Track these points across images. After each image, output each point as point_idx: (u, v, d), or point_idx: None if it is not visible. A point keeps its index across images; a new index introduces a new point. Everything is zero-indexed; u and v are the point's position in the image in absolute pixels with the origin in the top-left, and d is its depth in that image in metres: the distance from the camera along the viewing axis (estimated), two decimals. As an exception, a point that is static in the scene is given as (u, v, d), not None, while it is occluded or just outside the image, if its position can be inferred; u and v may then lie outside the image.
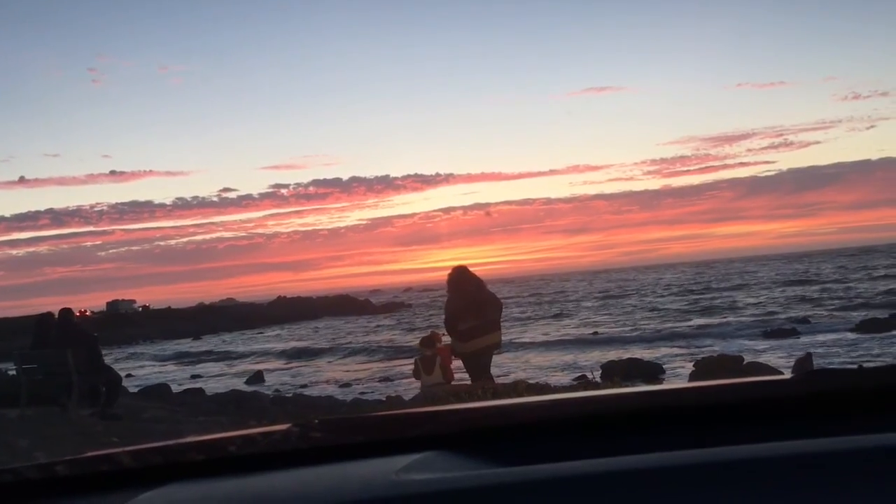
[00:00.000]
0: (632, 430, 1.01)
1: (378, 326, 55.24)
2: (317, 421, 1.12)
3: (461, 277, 9.09)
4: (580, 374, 20.60)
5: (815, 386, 1.03)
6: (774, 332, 28.94)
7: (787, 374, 1.18)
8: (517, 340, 33.07)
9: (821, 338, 27.13)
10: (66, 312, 10.78)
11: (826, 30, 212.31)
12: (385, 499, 0.85)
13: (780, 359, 20.65)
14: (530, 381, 10.44)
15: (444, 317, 9.19)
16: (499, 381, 9.71)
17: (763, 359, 20.24)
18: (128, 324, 66.63)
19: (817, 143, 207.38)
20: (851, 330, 28.12)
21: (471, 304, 8.91)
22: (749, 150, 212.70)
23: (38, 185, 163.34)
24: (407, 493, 0.85)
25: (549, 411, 1.11)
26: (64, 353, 9.82)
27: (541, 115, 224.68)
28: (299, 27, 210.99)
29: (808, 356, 17.38)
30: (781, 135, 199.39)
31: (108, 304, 78.81)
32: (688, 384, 1.46)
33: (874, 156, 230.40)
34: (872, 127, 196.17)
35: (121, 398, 11.52)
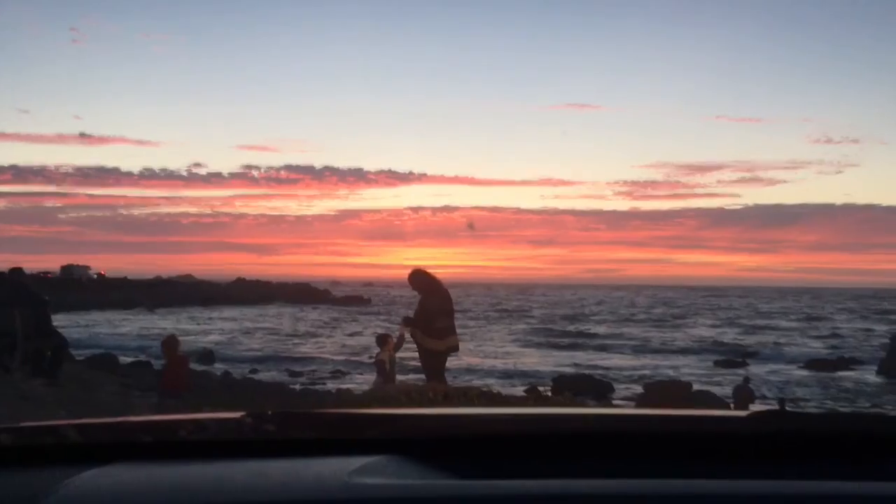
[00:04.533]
0: (589, 452, 1.01)
1: (335, 318, 54.99)
2: (271, 413, 1.10)
3: (434, 279, 9.31)
4: (530, 384, 20.72)
5: (769, 426, 1.04)
6: (725, 363, 29.42)
7: (733, 407, 1.19)
8: (472, 345, 33.14)
9: (769, 372, 27.65)
10: (16, 272, 10.55)
11: (806, 73, 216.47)
12: (337, 501, 0.84)
13: (727, 388, 20.98)
14: (482, 389, 10.48)
15: (414, 314, 9.22)
16: (450, 385, 9.75)
17: (711, 388, 20.55)
18: (81, 290, 65.36)
19: (785, 181, 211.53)
20: (800, 367, 28.72)
21: (444, 305, 9.12)
22: (719, 181, 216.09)
23: (4, 140, 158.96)
24: (359, 497, 0.84)
25: (505, 426, 1.11)
26: (11, 314, 9.61)
27: (519, 124, 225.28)
28: (287, 12, 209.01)
29: (746, 381, 17.44)
30: (751, 170, 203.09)
31: (63, 268, 77.09)
32: (647, 411, 1.47)
33: (839, 200, 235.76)
34: (840, 172, 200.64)
35: (67, 365, 11.30)
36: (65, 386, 9.96)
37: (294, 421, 1.10)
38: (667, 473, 0.88)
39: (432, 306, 9.06)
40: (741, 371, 26.83)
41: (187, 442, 1.07)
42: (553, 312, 64.78)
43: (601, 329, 46.46)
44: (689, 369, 28.06)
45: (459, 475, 0.91)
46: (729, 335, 43.18)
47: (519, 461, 0.99)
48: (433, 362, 9.10)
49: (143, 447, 1.06)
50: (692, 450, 1.00)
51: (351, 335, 40.76)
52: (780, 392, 22.20)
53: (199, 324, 48.07)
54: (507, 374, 25.43)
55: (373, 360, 10.18)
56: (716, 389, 19.90)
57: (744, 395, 15.81)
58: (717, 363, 29.62)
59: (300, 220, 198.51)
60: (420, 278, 9.29)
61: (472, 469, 0.94)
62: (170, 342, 8.65)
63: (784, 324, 52.75)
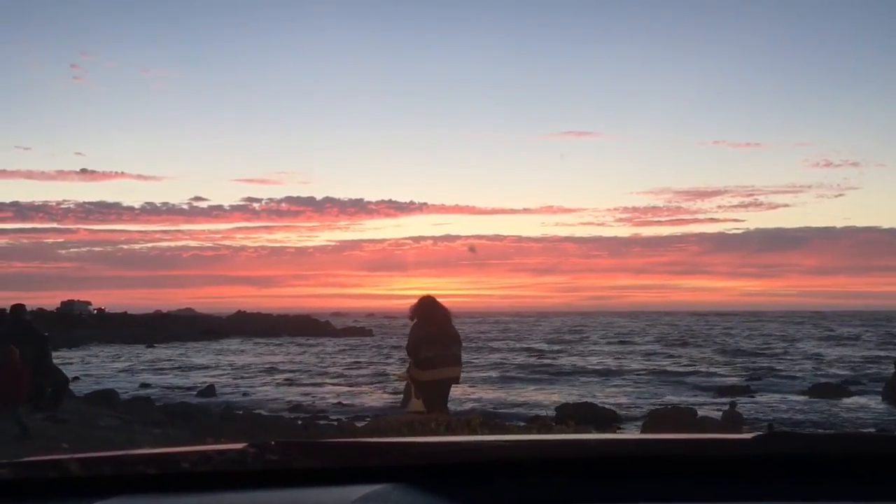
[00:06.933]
0: (592, 477, 1.01)
1: (337, 351, 54.77)
2: (273, 443, 1.10)
3: (433, 306, 9.05)
4: (534, 413, 20.60)
5: (773, 448, 1.04)
6: (728, 390, 29.25)
7: (746, 433, 1.19)
8: (473, 375, 32.98)
9: (772, 398, 27.49)
10: (17, 308, 10.54)
11: (804, 97, 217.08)
12: None
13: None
14: (484, 418, 10.41)
15: (407, 342, 9.10)
16: (453, 415, 9.66)
17: (715, 415, 20.45)
18: (81, 325, 65.25)
19: (786, 206, 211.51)
20: (803, 393, 28.55)
21: (439, 333, 8.86)
22: (720, 206, 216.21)
23: (5, 177, 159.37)
24: None
25: (509, 452, 1.10)
26: (11, 350, 9.57)
27: (519, 153, 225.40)
28: (285, 44, 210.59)
29: (733, 405, 17.43)
30: (752, 195, 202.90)
31: (63, 303, 77.07)
32: (649, 435, 1.46)
33: (839, 224, 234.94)
34: (840, 195, 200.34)
35: (67, 402, 11.26)
36: (65, 421, 9.91)
37: (297, 451, 1.10)
38: (672, 497, 0.88)
39: (417, 336, 8.88)
40: (745, 398, 26.70)
41: (190, 473, 1.07)
42: (555, 341, 64.54)
43: (604, 357, 46.26)
44: (693, 397, 27.91)
45: (464, 503, 0.91)
46: (732, 361, 42.98)
47: (523, 488, 0.99)
48: (426, 393, 8.93)
49: (145, 479, 1.06)
50: (694, 473, 1.01)
51: (352, 367, 40.59)
52: (780, 418, 22.07)
53: (198, 358, 47.87)
54: (509, 405, 25.29)
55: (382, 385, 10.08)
56: (720, 416, 19.80)
57: (732, 419, 15.79)
58: (720, 390, 29.45)
59: (301, 251, 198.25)
60: (416, 306, 9.09)
61: (476, 496, 0.94)
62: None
63: (788, 348, 52.51)
